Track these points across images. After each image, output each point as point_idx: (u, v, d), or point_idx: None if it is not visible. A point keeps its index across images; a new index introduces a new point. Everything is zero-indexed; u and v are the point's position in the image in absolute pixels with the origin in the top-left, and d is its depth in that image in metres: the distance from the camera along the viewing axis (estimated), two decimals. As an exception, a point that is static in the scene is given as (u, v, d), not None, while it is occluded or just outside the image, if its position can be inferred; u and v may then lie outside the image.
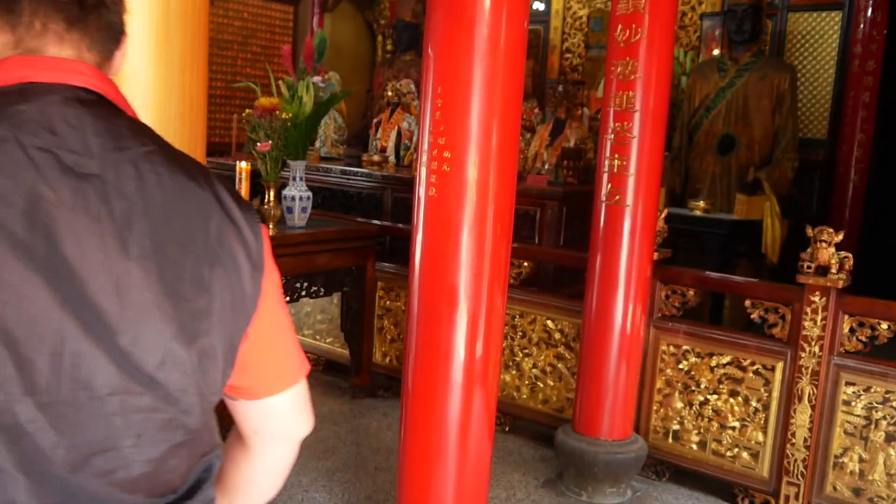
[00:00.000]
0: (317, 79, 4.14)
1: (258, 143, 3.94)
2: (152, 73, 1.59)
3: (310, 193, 4.25)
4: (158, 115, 1.61)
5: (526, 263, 4.11)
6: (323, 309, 4.91)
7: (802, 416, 3.23)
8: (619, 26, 3.31)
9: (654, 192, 3.41)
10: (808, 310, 3.20)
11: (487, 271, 2.47)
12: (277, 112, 3.93)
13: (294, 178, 4.21)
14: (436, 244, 2.47)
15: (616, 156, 3.36)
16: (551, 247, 4.75)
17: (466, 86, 2.36)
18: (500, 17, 2.36)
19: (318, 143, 6.49)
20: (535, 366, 4.07)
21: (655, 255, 3.54)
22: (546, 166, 5.17)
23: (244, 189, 4.06)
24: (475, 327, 2.47)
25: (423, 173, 2.47)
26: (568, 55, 7.91)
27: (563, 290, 4.29)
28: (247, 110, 4.02)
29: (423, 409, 2.54)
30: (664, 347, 3.64)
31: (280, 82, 4.21)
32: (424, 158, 2.46)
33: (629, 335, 3.48)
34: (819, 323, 3.17)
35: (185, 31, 1.60)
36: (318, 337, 4.96)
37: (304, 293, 4.23)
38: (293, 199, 4.18)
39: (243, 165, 4.05)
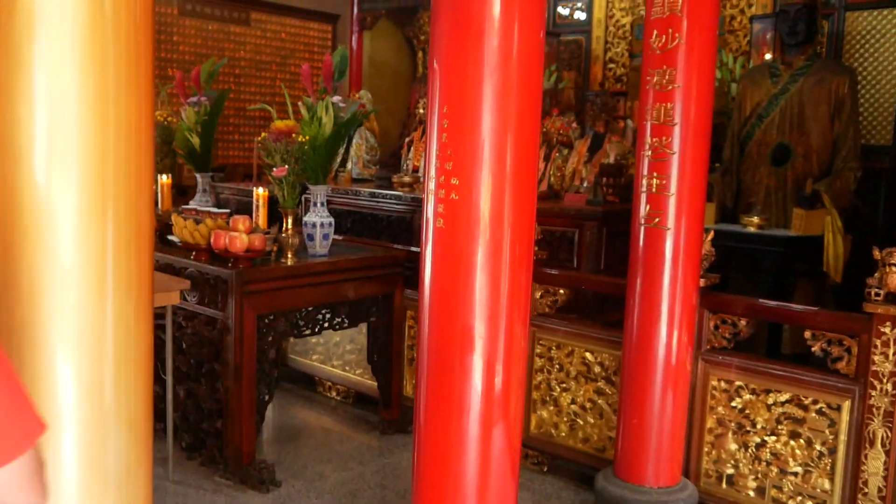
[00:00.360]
0: (336, 98, 3.93)
1: (274, 168, 3.73)
2: (85, 101, 1.36)
3: (331, 219, 4.03)
4: (93, 149, 1.38)
5: (562, 290, 3.81)
6: (352, 339, 4.68)
7: (875, 463, 2.86)
8: (655, 32, 3.01)
9: (697, 212, 3.09)
10: (878, 342, 2.83)
11: (505, 308, 2.19)
12: (294, 135, 3.72)
13: (315, 204, 3.99)
14: (446, 281, 2.20)
15: (654, 174, 3.05)
16: (591, 271, 4.43)
17: (475, 103, 2.10)
18: (512, 26, 2.09)
19: (349, 164, 6.30)
20: (573, 401, 3.76)
21: (702, 282, 3.21)
22: (584, 184, 4.87)
23: (262, 216, 3.86)
24: (492, 370, 2.20)
25: (430, 202, 2.21)
26: (611, 65, 7.59)
27: (603, 319, 3.98)
28: (262, 134, 3.82)
29: (437, 462, 2.27)
30: (714, 383, 3.30)
31: (300, 103, 4.01)
32: (431, 186, 2.21)
33: (674, 369, 3.15)
34: (891, 357, 2.81)
35: (124, 52, 1.37)
36: (346, 368, 4.73)
37: (326, 325, 4.00)
38: (314, 225, 3.96)
39: (260, 192, 3.86)
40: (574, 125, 5.25)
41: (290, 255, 3.80)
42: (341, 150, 6.41)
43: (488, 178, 2.13)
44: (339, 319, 4.05)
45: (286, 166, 3.72)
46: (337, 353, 4.78)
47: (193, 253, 3.80)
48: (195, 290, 3.69)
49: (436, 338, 2.24)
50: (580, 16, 7.84)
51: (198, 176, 4.66)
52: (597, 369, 3.68)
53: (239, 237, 3.57)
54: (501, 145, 2.13)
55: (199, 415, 3.74)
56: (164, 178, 4.37)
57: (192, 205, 4.44)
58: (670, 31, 2.96)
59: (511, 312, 2.20)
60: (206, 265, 3.65)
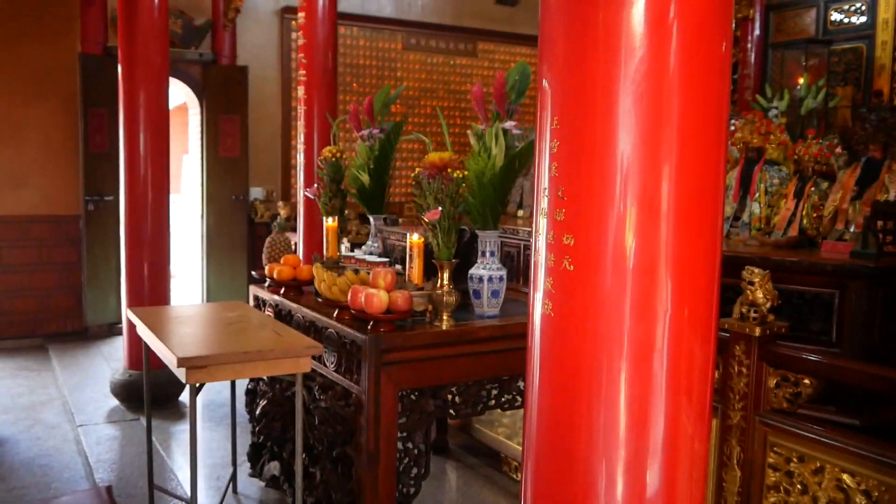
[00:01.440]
0: (509, 124, 3.18)
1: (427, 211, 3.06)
2: None
3: (503, 272, 3.27)
4: None
5: (808, 381, 2.71)
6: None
7: None
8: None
9: None
10: None
11: (661, 444, 1.30)
12: (449, 170, 3.03)
13: (483, 254, 3.26)
14: (558, 405, 1.35)
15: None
16: (856, 351, 3.23)
17: (604, 124, 1.25)
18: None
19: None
20: (823, 542, 2.63)
21: None
22: (851, 228, 3.65)
23: (416, 269, 3.20)
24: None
25: (537, 275, 1.38)
26: (901, 76, 6.11)
27: (872, 421, 2.80)
28: (416, 169, 3.17)
29: None
30: None
31: (469, 131, 3.32)
32: (540, 245, 1.38)
33: None
34: None
35: None
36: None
37: (492, 403, 3.22)
38: (480, 280, 3.23)
39: (415, 239, 3.20)
40: (838, 150, 4.03)
41: (445, 317, 3.09)
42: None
43: (628, 234, 1.26)
44: (510, 397, 3.26)
45: (440, 208, 3.03)
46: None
47: (336, 311, 3.22)
48: (335, 354, 3.11)
49: (542, 479, 1.39)
50: (859, 19, 6.42)
51: (371, 219, 4.13)
52: (859, 500, 2.54)
53: (377, 295, 2.92)
54: (651, 183, 1.25)
55: (334, 505, 3.13)
56: (330, 221, 3.89)
57: (358, 252, 3.91)
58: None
59: (674, 443, 1.30)
60: (345, 327, 3.05)
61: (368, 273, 3.27)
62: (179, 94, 8.11)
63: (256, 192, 7.78)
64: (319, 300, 3.34)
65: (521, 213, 5.76)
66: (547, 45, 1.38)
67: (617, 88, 1.26)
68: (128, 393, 5.08)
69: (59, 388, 5.58)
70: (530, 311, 1.41)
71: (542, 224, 1.35)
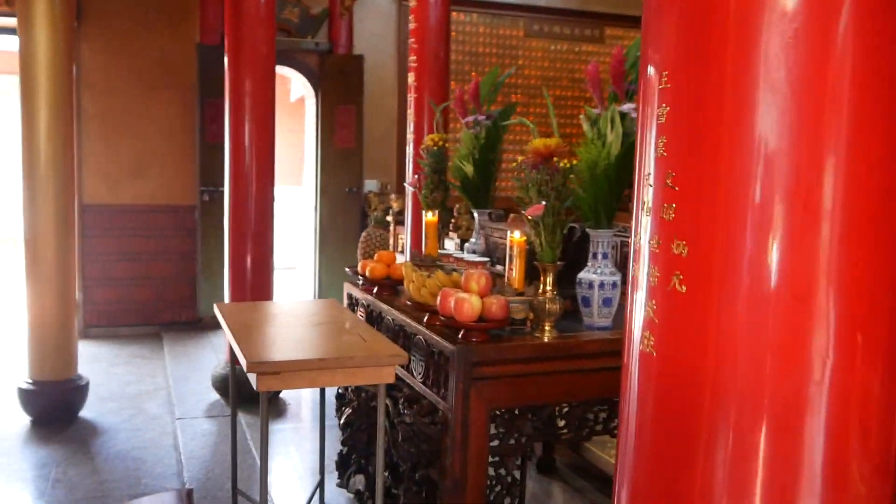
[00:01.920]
0: (628, 107, 2.76)
1: (529, 206, 2.69)
2: None
3: (617, 277, 2.84)
4: None
5: None
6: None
7: None
8: None
9: None
10: None
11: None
12: (556, 159, 2.64)
13: (594, 256, 2.85)
14: (657, 481, 0.96)
15: None
16: None
17: (737, 79, 0.85)
18: None
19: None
20: None
21: None
22: None
23: (517, 272, 2.82)
24: None
25: (635, 295, 0.99)
26: None
27: None
28: (519, 157, 2.80)
29: None
30: None
31: (581, 115, 2.92)
32: (641, 253, 0.99)
33: None
34: None
35: None
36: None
37: (600, 428, 2.82)
38: (590, 285, 2.82)
39: (516, 237, 2.83)
40: None
41: (547, 327, 2.70)
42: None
43: (765, 241, 0.85)
44: (622, 421, 2.83)
45: (544, 203, 2.65)
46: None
47: (426, 315, 2.90)
48: (423, 363, 2.79)
49: None
50: None
51: (474, 213, 3.79)
52: None
53: (468, 301, 2.57)
54: (806, 174, 0.84)
55: (418, 532, 2.81)
56: (430, 216, 3.57)
57: (457, 251, 3.57)
58: None
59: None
60: (433, 334, 2.72)
61: (447, 275, 2.93)
62: (298, 85, 8.05)
63: (371, 185, 7.60)
64: (409, 303, 3.02)
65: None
66: (655, 31, 0.98)
67: (758, 30, 0.85)
68: (228, 387, 4.96)
69: (167, 377, 5.57)
70: (625, 343, 1.02)
71: (643, 224, 0.96)
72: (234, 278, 4.99)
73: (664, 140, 0.91)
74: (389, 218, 6.94)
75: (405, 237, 5.07)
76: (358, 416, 3.40)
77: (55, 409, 4.61)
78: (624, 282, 2.93)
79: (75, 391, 4.68)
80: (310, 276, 7.71)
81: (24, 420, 4.58)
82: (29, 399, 4.56)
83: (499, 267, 3.31)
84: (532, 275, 2.93)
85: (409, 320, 2.94)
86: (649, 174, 0.94)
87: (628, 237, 3.33)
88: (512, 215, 5.07)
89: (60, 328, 4.58)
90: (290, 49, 7.06)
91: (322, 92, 7.27)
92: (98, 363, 5.91)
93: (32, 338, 4.57)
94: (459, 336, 2.63)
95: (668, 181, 0.90)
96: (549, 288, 2.72)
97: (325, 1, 7.19)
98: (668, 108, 0.90)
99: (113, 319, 6.81)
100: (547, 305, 2.69)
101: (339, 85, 7.25)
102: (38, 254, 4.51)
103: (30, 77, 4.37)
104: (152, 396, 5.17)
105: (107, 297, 6.79)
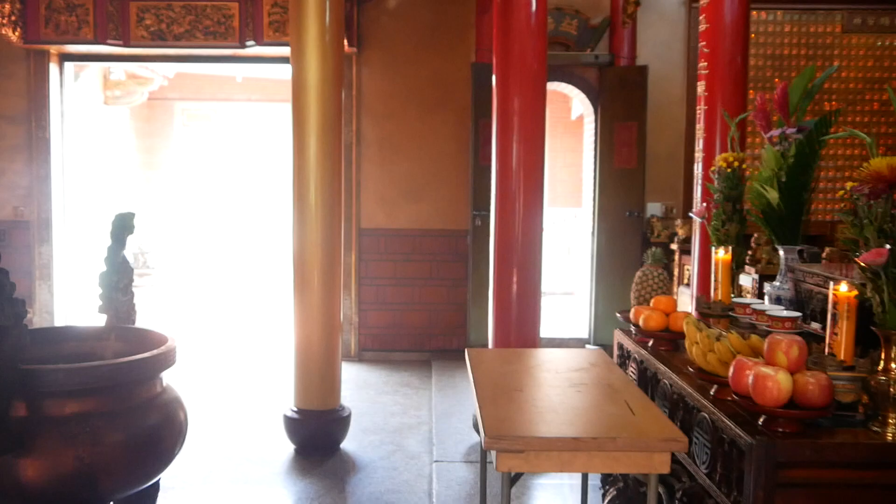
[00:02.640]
0: None
1: (862, 251, 1.95)
2: None
3: None
4: None
5: None
6: None
7: None
8: None
9: None
10: None
11: None
12: (906, 186, 1.89)
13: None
14: None
15: None
16: None
17: None
18: None
19: None
20: None
21: None
22: None
23: (843, 336, 2.09)
24: None
25: None
26: None
27: None
28: (848, 184, 2.07)
29: None
30: None
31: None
32: None
33: None
34: None
35: None
36: None
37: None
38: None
39: (843, 290, 2.09)
40: None
41: (892, 420, 1.94)
42: None
43: None
44: None
45: (887, 247, 1.90)
46: None
47: (714, 387, 2.26)
48: (708, 449, 2.16)
49: None
50: None
51: (780, 250, 3.02)
52: None
53: (772, 379, 1.91)
54: None
55: None
56: (721, 253, 2.89)
57: (756, 300, 2.86)
58: None
59: None
60: (722, 416, 2.08)
61: (765, 335, 2.25)
62: (577, 103, 7.60)
63: (654, 208, 6.92)
64: (691, 369, 2.39)
65: None
66: None
67: None
68: (490, 430, 4.61)
69: (431, 411, 5.36)
70: None
71: None
72: (498, 307, 4.64)
73: None
74: (674, 246, 6.22)
75: (691, 274, 4.35)
76: (623, 501, 2.81)
77: (317, 438, 4.56)
78: None
79: (337, 422, 4.60)
80: (586, 302, 7.19)
81: (289, 448, 4.58)
82: (293, 427, 4.55)
83: (814, 324, 2.56)
84: (865, 342, 2.17)
85: (691, 390, 2.31)
86: None
87: None
88: (828, 249, 4.15)
89: (324, 357, 4.52)
90: (568, 64, 6.63)
91: (601, 108, 6.74)
92: (367, 390, 5.89)
93: (298, 365, 4.56)
94: (760, 423, 1.97)
95: None
96: (893, 365, 1.96)
97: (605, 10, 6.67)
98: None
99: (385, 344, 6.83)
100: (891, 389, 1.94)
101: (620, 100, 6.68)
102: (306, 280, 4.49)
103: (301, 104, 4.37)
104: (414, 432, 4.97)
105: (380, 322, 6.83)
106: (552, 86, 6.48)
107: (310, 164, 4.41)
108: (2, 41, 6.12)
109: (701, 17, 4.56)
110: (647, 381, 2.73)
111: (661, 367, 2.61)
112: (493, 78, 4.59)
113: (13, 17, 5.80)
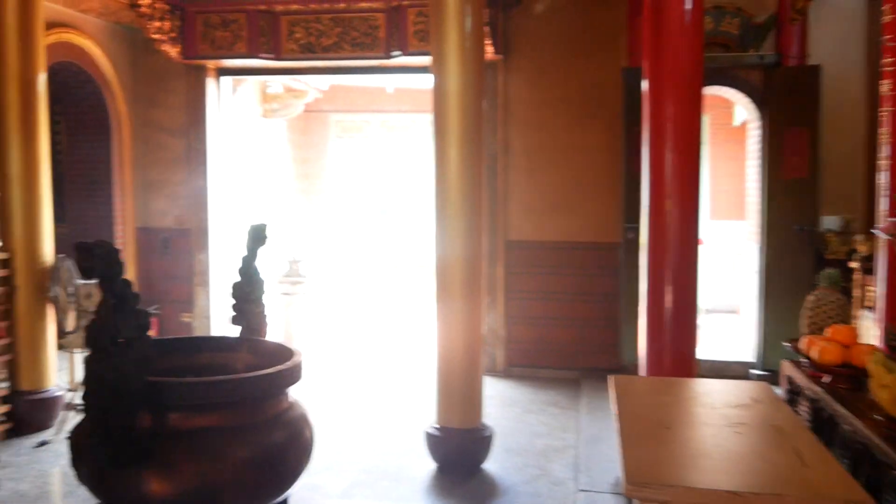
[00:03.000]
0: None
1: None
2: None
3: None
4: None
5: None
6: None
7: None
8: None
9: None
10: None
11: None
12: None
13: None
14: None
15: None
16: None
17: None
18: None
19: None
20: None
21: None
22: None
23: None
24: None
25: None
26: None
27: None
28: None
29: None
30: None
31: None
32: None
33: None
34: None
35: None
36: None
37: None
38: None
39: None
40: None
41: None
42: None
43: None
44: None
45: None
46: None
47: (908, 438, 1.88)
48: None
49: None
50: None
51: None
52: None
53: None
54: None
55: None
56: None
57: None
58: None
59: None
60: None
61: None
62: (740, 108, 7.06)
63: (829, 222, 6.29)
64: (879, 417, 2.02)
65: None
66: None
67: None
68: (638, 460, 4.27)
69: (578, 434, 5.08)
70: None
71: None
72: (651, 325, 4.29)
73: None
74: (854, 264, 5.59)
75: (876, 298, 3.81)
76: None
77: (458, 457, 4.42)
78: None
79: (478, 442, 4.43)
80: (753, 322, 6.63)
81: (431, 466, 4.45)
82: (435, 445, 4.43)
83: None
84: None
85: (879, 441, 1.94)
86: None
87: None
88: None
89: (465, 372, 4.37)
90: (729, 66, 6.16)
91: (767, 112, 6.21)
92: (513, 408, 5.68)
93: (440, 382, 4.43)
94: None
95: None
96: None
97: (771, 6, 6.15)
98: None
99: (533, 360, 6.60)
100: None
101: (789, 103, 6.12)
102: (447, 291, 4.36)
103: (441, 113, 4.26)
104: (559, 455, 4.71)
105: (527, 336, 6.61)
106: (711, 90, 6.04)
107: (450, 173, 4.29)
108: (163, 57, 6.44)
109: (884, 8, 4.04)
110: (823, 424, 2.36)
111: (841, 409, 2.23)
112: (644, 82, 4.28)
113: (173, 35, 6.08)
